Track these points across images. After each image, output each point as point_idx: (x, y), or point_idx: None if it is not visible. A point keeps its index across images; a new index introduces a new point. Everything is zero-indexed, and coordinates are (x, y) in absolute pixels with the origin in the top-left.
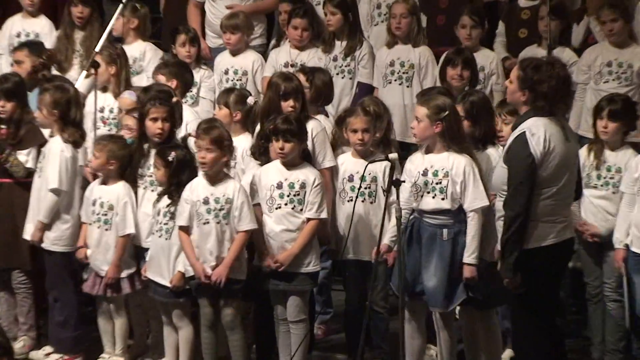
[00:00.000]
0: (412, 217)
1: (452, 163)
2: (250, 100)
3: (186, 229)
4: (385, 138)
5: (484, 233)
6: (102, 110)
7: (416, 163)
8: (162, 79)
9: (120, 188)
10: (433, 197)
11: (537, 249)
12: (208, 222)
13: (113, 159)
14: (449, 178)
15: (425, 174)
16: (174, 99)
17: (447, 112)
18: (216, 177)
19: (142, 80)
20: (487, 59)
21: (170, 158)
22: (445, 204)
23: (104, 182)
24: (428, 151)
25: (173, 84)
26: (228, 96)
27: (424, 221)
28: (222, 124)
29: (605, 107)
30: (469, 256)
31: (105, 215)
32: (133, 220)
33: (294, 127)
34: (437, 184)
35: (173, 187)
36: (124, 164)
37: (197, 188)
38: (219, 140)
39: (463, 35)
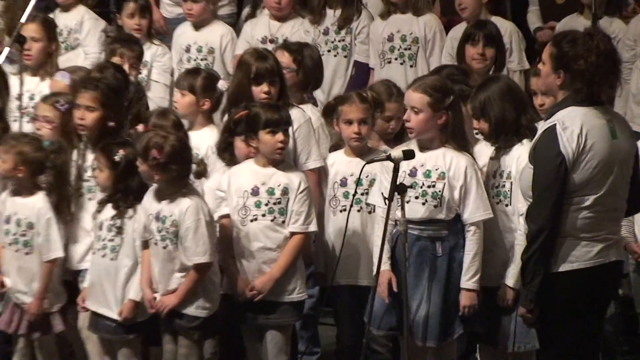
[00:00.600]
0: (394, 230)
1: (450, 162)
2: (222, 85)
3: (146, 244)
4: (402, 132)
5: (507, 253)
6: (19, 98)
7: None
8: (121, 61)
9: (39, 201)
10: (423, 204)
11: (568, 273)
12: (156, 243)
13: (22, 164)
14: (445, 181)
15: (413, 174)
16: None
17: (452, 98)
18: (166, 189)
19: (77, 56)
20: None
21: (117, 158)
22: (439, 213)
23: (17, 193)
24: (423, 148)
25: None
26: (194, 79)
27: (411, 233)
28: (177, 117)
29: None
30: (469, 280)
31: (24, 235)
32: (60, 240)
33: (289, 115)
34: (429, 187)
35: (119, 195)
36: (37, 170)
37: (153, 198)
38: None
39: (457, 7)
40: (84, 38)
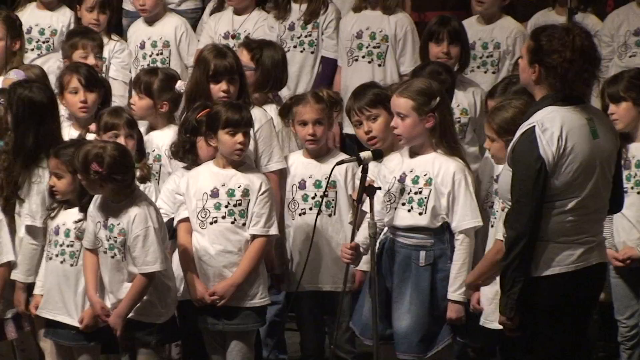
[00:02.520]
0: (383, 235)
1: (439, 168)
2: (180, 85)
3: (93, 252)
4: None
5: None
6: None
7: (391, 167)
8: (85, 53)
9: None
10: (409, 211)
11: (549, 278)
12: (105, 252)
13: None
14: (432, 187)
15: (402, 180)
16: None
17: (438, 99)
18: (113, 199)
19: (58, 59)
20: (503, 31)
21: None
22: (423, 220)
23: None
24: (414, 153)
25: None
26: (151, 81)
27: (397, 241)
28: (130, 115)
29: (605, 89)
30: (455, 291)
31: None
32: (11, 244)
33: (251, 116)
34: (415, 193)
35: (87, 198)
36: None
37: (100, 205)
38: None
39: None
40: None
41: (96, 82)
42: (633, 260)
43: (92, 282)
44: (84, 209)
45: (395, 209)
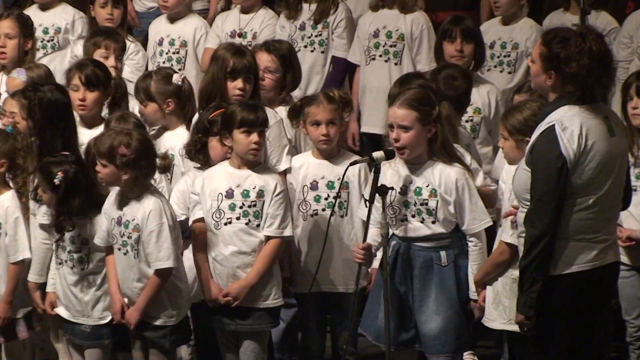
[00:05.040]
0: (394, 242)
1: (439, 177)
2: (177, 78)
3: (110, 249)
4: None
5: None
6: None
7: (387, 180)
8: (106, 54)
9: (8, 199)
10: (421, 222)
11: (566, 276)
12: (120, 249)
13: (2, 157)
14: (438, 198)
15: (404, 192)
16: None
17: (438, 110)
18: (130, 192)
19: (65, 58)
20: (523, 33)
21: (57, 181)
22: (438, 228)
23: None
24: (411, 164)
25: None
26: (147, 85)
27: (414, 246)
28: (137, 119)
29: (633, 82)
30: (475, 291)
31: None
32: (27, 242)
33: (266, 117)
34: (422, 204)
35: (62, 217)
36: (14, 162)
37: (115, 202)
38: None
39: (492, 4)
40: (76, 39)
41: (98, 82)
42: (634, 241)
43: (114, 278)
44: (60, 229)
45: (404, 220)
